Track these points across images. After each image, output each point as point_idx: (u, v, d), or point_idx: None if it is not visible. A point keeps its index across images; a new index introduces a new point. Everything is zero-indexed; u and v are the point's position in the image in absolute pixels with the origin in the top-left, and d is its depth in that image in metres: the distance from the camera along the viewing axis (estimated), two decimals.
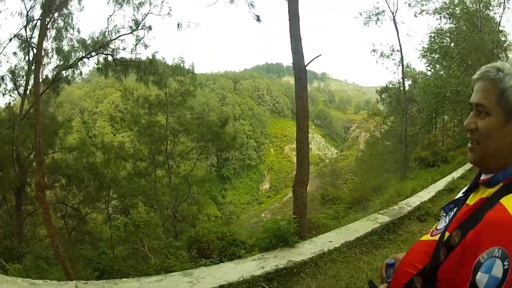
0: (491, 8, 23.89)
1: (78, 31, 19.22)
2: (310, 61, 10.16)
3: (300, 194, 9.91)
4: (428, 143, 33.45)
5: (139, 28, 19.61)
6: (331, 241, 6.60)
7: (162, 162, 24.26)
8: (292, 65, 9.80)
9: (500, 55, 24.82)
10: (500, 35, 23.74)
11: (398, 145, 33.74)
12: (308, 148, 10.10)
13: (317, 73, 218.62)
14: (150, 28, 19.91)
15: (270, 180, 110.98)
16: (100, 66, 19.98)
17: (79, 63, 19.38)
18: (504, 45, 25.28)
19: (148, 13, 19.28)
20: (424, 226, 7.76)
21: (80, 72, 20.33)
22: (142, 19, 19.44)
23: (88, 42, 19.45)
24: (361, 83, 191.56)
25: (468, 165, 17.32)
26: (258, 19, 13.36)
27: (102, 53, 19.97)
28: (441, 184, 11.96)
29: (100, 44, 19.51)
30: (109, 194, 22.32)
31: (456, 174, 14.24)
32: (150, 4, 19.69)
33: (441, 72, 26.91)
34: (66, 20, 18.58)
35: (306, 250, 6.26)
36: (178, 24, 19.93)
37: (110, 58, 20.04)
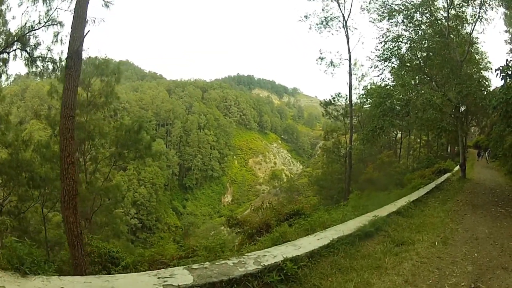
0: (463, 19, 22.46)
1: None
2: (82, 42, 8.05)
3: (67, 218, 7.56)
4: (380, 163, 32.08)
5: (50, 23, 18.27)
6: None
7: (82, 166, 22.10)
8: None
9: (469, 69, 23.29)
10: (470, 48, 22.21)
11: (342, 165, 32.41)
12: (75, 159, 7.80)
13: (288, 87, 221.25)
14: (61, 24, 18.77)
15: (233, 192, 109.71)
16: (26, 62, 19.02)
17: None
18: (476, 58, 23.75)
19: (56, 8, 17.92)
20: None
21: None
22: (51, 14, 18.11)
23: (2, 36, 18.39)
24: None
25: (422, 191, 15.64)
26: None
27: (19, 49, 18.78)
28: (362, 220, 10.05)
29: (12, 39, 18.30)
30: (42, 194, 20.67)
31: (394, 207, 12.27)
32: None
33: (388, 81, 25.18)
34: None
35: None
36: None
37: (25, 54, 18.79)
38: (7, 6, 18.88)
